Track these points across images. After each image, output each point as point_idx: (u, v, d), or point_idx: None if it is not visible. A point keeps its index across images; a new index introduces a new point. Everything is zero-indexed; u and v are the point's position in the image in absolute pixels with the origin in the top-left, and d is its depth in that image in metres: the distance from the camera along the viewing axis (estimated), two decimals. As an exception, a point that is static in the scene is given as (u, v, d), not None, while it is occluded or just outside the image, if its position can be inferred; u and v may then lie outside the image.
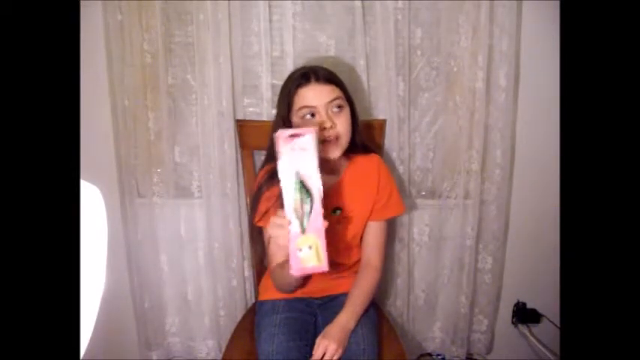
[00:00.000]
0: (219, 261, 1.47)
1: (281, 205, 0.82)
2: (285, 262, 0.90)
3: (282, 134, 0.79)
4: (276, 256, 1.05)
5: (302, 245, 0.82)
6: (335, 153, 1.06)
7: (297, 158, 0.79)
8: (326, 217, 1.11)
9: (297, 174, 0.80)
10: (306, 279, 1.17)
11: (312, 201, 0.81)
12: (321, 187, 0.81)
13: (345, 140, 1.06)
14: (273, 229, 0.86)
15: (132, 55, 1.34)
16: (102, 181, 1.34)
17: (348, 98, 1.09)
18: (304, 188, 0.80)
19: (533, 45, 1.37)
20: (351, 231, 1.16)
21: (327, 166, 1.11)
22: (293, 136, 0.79)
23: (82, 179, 0.75)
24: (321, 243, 0.82)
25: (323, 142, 1.03)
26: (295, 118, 1.05)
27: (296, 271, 0.83)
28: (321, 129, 1.02)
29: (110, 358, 1.43)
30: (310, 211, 0.81)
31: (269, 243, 1.08)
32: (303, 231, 0.82)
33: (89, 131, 1.08)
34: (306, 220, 0.81)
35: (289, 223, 0.81)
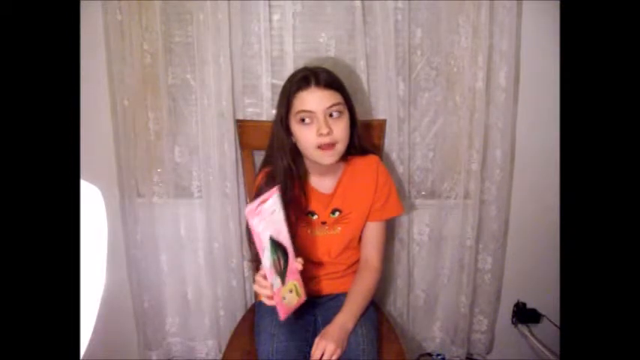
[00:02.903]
0: (219, 261, 1.47)
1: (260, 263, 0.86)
2: None
3: (250, 210, 0.81)
4: None
5: (285, 294, 0.89)
6: (330, 159, 1.04)
7: (268, 224, 0.83)
8: (325, 219, 1.12)
9: (271, 239, 0.84)
10: (304, 281, 1.17)
11: (286, 256, 0.87)
12: (290, 241, 0.87)
13: (341, 147, 1.05)
14: (257, 288, 0.91)
15: (132, 55, 1.34)
16: (102, 181, 1.34)
17: (349, 103, 1.07)
18: (279, 247, 0.85)
19: (533, 45, 1.37)
20: (350, 232, 1.16)
21: (323, 169, 1.11)
22: (260, 204, 0.82)
23: (82, 179, 0.75)
24: (298, 282, 0.90)
25: (319, 148, 1.03)
26: (293, 121, 1.04)
27: (284, 316, 0.90)
28: (318, 135, 1.01)
29: (110, 358, 1.43)
30: (287, 265, 0.87)
31: None
32: (284, 283, 0.88)
33: (89, 131, 1.08)
34: (284, 273, 0.87)
35: (271, 285, 0.86)
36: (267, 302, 0.89)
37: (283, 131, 1.06)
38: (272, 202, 0.82)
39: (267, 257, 0.84)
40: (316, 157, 1.05)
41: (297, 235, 1.12)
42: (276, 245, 0.85)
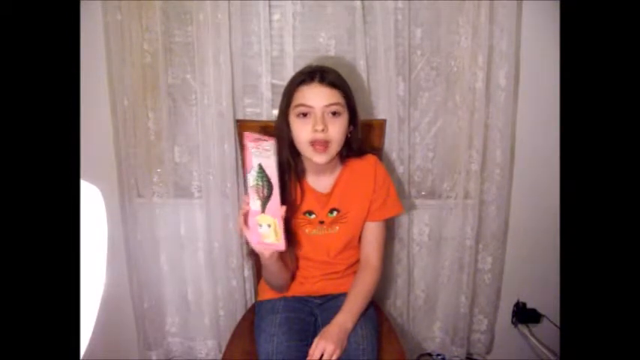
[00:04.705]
0: (219, 261, 1.47)
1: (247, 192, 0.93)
2: (270, 261, 0.99)
3: (250, 134, 0.90)
4: (264, 257, 1.03)
5: (262, 222, 0.93)
6: (321, 159, 1.04)
7: (261, 155, 0.90)
8: (323, 218, 1.12)
9: (260, 166, 0.90)
10: (301, 278, 1.18)
11: (271, 190, 0.91)
12: (278, 187, 0.91)
13: (334, 147, 1.05)
14: (240, 210, 0.96)
15: (132, 55, 1.34)
16: (102, 181, 1.34)
17: (350, 106, 1.07)
18: (265, 178, 0.91)
19: (533, 45, 1.37)
20: (349, 232, 1.16)
21: (320, 168, 1.11)
22: (258, 139, 0.90)
23: (82, 179, 0.75)
24: (279, 223, 0.92)
25: (312, 144, 1.03)
26: (292, 114, 1.05)
27: (256, 244, 0.94)
28: (313, 130, 1.02)
29: (110, 358, 1.43)
30: (269, 197, 0.91)
31: None
32: (263, 211, 0.92)
33: (89, 131, 1.08)
34: (265, 203, 0.92)
35: (248, 199, 0.91)
36: (241, 221, 0.94)
37: (284, 124, 1.07)
38: (269, 144, 0.89)
39: (252, 177, 0.91)
40: (308, 154, 1.05)
41: (294, 233, 1.13)
42: (264, 174, 0.90)
